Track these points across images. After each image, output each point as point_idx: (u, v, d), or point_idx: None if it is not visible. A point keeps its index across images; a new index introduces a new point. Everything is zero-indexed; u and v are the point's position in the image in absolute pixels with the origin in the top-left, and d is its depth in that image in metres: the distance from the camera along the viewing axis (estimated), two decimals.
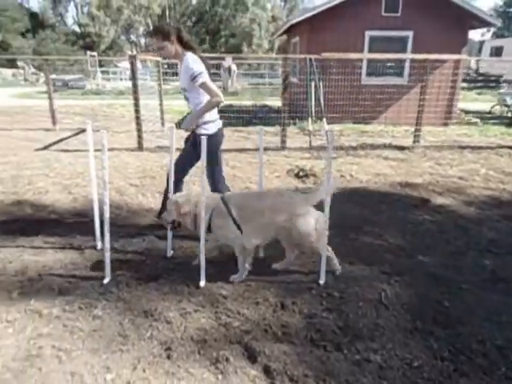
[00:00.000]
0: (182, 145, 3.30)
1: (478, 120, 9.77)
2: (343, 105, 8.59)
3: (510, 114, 10.55)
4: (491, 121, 9.87)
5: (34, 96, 17.51)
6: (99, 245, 3.07)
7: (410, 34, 9.01)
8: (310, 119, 7.29)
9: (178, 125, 3.19)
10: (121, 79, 26.49)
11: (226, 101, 12.89)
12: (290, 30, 11.50)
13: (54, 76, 25.58)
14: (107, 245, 2.58)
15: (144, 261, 2.95)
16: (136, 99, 6.31)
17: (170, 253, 3.02)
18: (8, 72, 29.72)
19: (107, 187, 2.55)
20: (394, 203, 4.23)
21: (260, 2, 43.01)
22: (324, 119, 6.82)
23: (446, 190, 4.67)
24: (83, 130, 8.82)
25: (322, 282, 2.63)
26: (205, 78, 2.88)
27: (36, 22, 36.44)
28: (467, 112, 11.16)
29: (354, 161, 6.07)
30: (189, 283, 2.62)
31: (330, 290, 2.55)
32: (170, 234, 2.98)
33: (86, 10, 40.50)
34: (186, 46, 2.97)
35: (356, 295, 2.50)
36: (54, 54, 32.80)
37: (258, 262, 2.91)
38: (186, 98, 3.11)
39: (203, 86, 2.88)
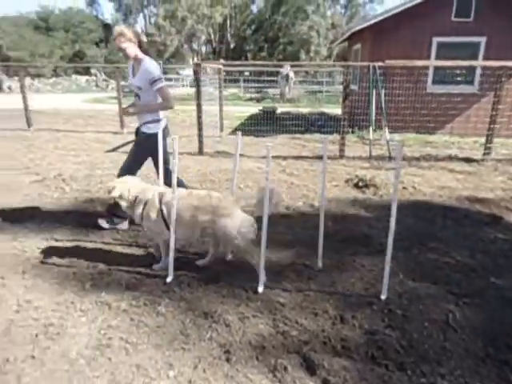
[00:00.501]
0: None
1: None
2: (406, 114, 8.27)
3: None
4: None
5: (105, 101, 18.81)
6: None
7: (483, 39, 8.46)
8: (370, 128, 7.10)
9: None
10: (183, 86, 27.70)
11: (283, 108, 13.08)
12: (352, 37, 11.32)
13: (122, 83, 27.42)
14: (171, 244, 2.69)
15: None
16: (199, 105, 6.54)
17: (229, 256, 3.08)
18: (82, 79, 32.21)
19: (175, 190, 2.65)
20: (461, 219, 3.97)
21: (320, 9, 42.84)
22: (386, 128, 6.60)
23: None
24: None
25: (383, 297, 2.53)
26: (163, 83, 3.19)
27: (108, 33, 39.24)
28: None
29: (416, 172, 5.80)
30: (247, 288, 2.65)
31: (391, 306, 2.45)
32: None
33: (153, 20, 42.85)
34: (144, 51, 3.23)
35: (420, 314, 2.38)
36: (123, 63, 35.13)
37: (317, 272, 2.88)
38: (137, 95, 3.30)
39: (160, 90, 3.17)
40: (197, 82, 6.47)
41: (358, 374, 1.92)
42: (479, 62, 8.08)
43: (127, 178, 2.90)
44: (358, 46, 10.42)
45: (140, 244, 3.29)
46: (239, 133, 3.05)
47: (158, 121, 3.32)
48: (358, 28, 9.19)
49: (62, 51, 34.80)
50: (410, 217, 4.02)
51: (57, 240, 3.34)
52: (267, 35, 48.35)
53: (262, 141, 8.52)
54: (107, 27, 40.06)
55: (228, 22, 47.45)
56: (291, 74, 19.30)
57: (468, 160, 6.56)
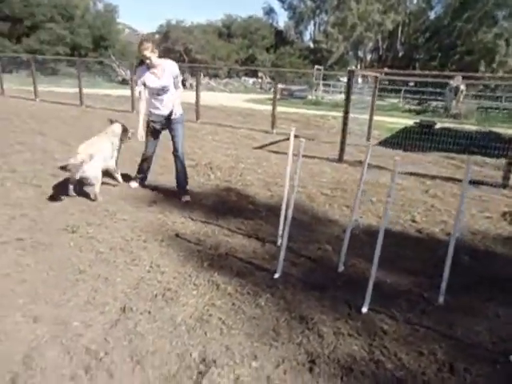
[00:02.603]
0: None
1: None
2: None
3: None
4: None
5: (264, 102, 20.25)
6: (279, 241, 3.32)
7: None
8: None
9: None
10: (340, 92, 27.73)
11: (443, 123, 11.82)
12: None
13: (283, 86, 29.01)
14: (284, 243, 2.76)
15: (314, 268, 3.01)
16: (346, 112, 6.46)
17: (341, 267, 2.99)
18: (250, 80, 35.32)
19: (295, 190, 2.71)
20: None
21: None
22: None
23: None
24: (295, 136, 9.68)
25: None
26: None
27: (279, 39, 41.98)
28: None
29: None
30: (351, 305, 2.53)
31: None
32: (344, 249, 2.95)
33: (322, 28, 43.94)
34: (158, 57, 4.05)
35: None
36: (287, 67, 37.07)
37: (435, 308, 2.55)
38: (159, 94, 4.12)
39: (179, 81, 4.21)
40: (348, 89, 6.40)
41: None
42: None
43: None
44: None
45: (259, 237, 3.47)
46: (369, 143, 2.90)
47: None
48: None
49: (237, 55, 38.81)
50: None
51: (192, 219, 3.79)
52: (442, 43, 44.19)
53: (410, 156, 7.90)
54: (279, 34, 42.89)
55: (400, 28, 45.16)
56: (462, 87, 17.24)
57: None
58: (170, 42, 36.21)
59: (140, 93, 4.13)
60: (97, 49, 33.52)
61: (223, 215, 3.93)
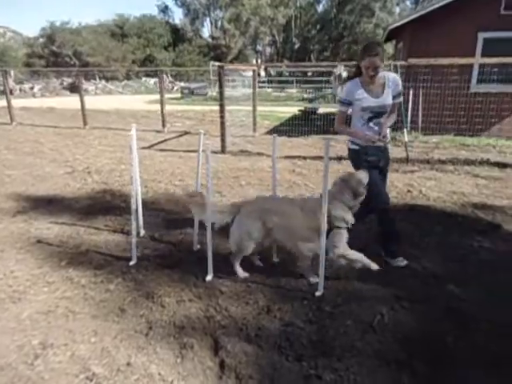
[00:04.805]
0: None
1: None
2: (445, 115, 7.83)
3: None
4: None
5: (167, 102, 20.00)
6: (142, 232, 3.53)
7: None
8: (405, 130, 6.84)
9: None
10: (243, 86, 28.49)
11: (330, 108, 12.81)
12: (396, 35, 10.87)
13: (182, 84, 28.89)
14: (134, 232, 2.98)
15: (172, 251, 3.29)
16: (222, 105, 6.84)
17: (196, 247, 3.30)
18: (151, 81, 34.45)
19: (136, 182, 2.94)
20: (453, 226, 3.78)
21: (387, 6, 41.16)
22: (405, 130, 6.35)
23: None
24: (186, 133, 9.89)
25: (318, 293, 2.58)
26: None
27: (177, 37, 41.53)
28: None
29: (434, 176, 5.53)
30: (198, 276, 2.85)
31: (323, 303, 2.50)
32: (196, 228, 3.26)
33: (219, 24, 44.45)
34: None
35: (348, 314, 2.39)
36: (188, 65, 36.90)
37: (271, 266, 2.99)
38: (374, 117, 2.95)
39: (398, 103, 3.04)
40: (220, 83, 6.77)
41: (254, 360, 2.03)
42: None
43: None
44: (401, 43, 9.98)
45: (125, 231, 3.64)
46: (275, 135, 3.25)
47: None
48: (395, 25, 8.83)
49: (134, 56, 37.53)
50: (402, 221, 3.90)
51: (58, 223, 3.82)
52: (331, 35, 47.56)
53: (291, 141, 8.61)
54: (175, 32, 42.39)
55: (292, 22, 47.49)
56: (344, 74, 18.92)
57: (501, 165, 6.07)
58: (56, 46, 33.70)
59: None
60: None
61: (93, 216, 4.02)
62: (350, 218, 2.71)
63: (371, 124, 2.97)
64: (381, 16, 40.67)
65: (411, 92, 7.93)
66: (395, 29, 9.32)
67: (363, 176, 2.79)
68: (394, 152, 6.89)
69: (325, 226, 2.50)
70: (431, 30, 8.15)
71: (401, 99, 3.02)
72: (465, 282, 2.78)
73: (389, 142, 3.20)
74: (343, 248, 2.67)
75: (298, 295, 2.60)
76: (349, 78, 3.07)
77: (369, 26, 42.39)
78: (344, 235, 2.70)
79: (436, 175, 5.57)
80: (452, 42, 7.92)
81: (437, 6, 7.91)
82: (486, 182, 5.26)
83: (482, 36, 7.97)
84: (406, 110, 7.29)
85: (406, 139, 6.47)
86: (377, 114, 2.94)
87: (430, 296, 2.61)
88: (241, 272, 2.86)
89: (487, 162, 6.20)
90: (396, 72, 6.08)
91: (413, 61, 5.98)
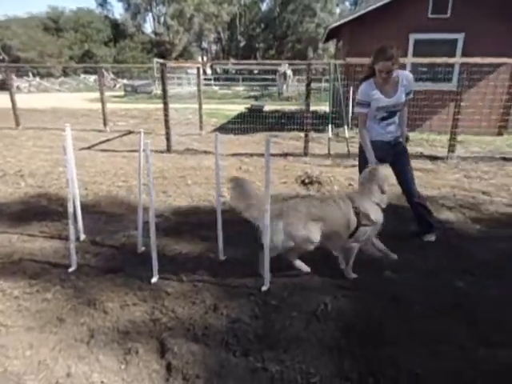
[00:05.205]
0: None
1: None
2: None
3: None
4: None
5: (107, 100, 19.15)
6: (82, 237, 3.37)
7: (461, 36, 8.36)
8: (345, 126, 7.13)
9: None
10: (189, 84, 28.01)
11: (275, 106, 13.16)
12: (337, 35, 11.30)
13: (125, 81, 27.88)
14: (72, 236, 2.84)
15: (115, 254, 3.17)
16: (165, 104, 6.69)
17: (140, 249, 3.22)
18: (91, 78, 32.85)
19: (73, 184, 2.80)
20: (392, 216, 4.00)
21: (328, 6, 42.59)
22: (345, 126, 6.64)
23: (459, 206, 4.32)
24: (129, 132, 9.56)
25: (264, 288, 2.62)
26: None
27: (117, 32, 39.88)
28: None
29: None
30: (143, 278, 2.78)
31: (269, 297, 2.54)
32: (140, 230, 3.18)
33: (162, 20, 43.34)
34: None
35: (293, 306, 2.46)
36: (131, 62, 35.64)
37: (218, 264, 2.99)
38: (388, 115, 3.15)
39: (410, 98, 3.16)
40: (163, 81, 6.62)
41: (201, 359, 2.02)
42: (456, 60, 7.97)
43: None
44: (341, 42, 10.40)
45: (62, 236, 3.45)
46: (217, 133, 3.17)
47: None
48: (334, 25, 9.19)
49: (71, 51, 35.51)
50: None
51: None
52: (276, 33, 48.32)
53: (238, 138, 8.64)
54: (116, 27, 40.70)
55: (237, 20, 47.54)
56: (289, 72, 19.34)
57: (433, 158, 6.55)
58: None
59: None
60: None
61: (27, 222, 3.76)
62: (380, 217, 2.76)
63: (385, 123, 3.17)
64: (322, 16, 42.02)
65: (351, 90, 8.28)
66: (335, 29, 9.68)
67: (386, 172, 2.88)
68: (337, 147, 7.19)
69: (267, 220, 2.54)
70: (368, 31, 8.56)
71: (411, 95, 3.15)
72: (399, 268, 2.97)
73: (403, 139, 3.34)
74: (366, 243, 2.81)
75: (245, 292, 2.62)
76: (363, 79, 3.15)
77: (311, 26, 43.65)
78: (369, 233, 2.76)
79: None
80: (386, 42, 8.35)
81: (371, 8, 8.33)
82: (420, 173, 5.63)
83: (413, 37, 8.53)
84: (347, 106, 7.59)
85: (347, 135, 6.76)
86: (391, 112, 3.13)
87: (370, 283, 2.76)
88: (304, 266, 2.82)
89: (421, 156, 6.66)
90: (335, 71, 6.33)
91: (351, 60, 6.25)
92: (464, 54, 8.29)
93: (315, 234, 2.66)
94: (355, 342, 2.14)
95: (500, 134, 8.55)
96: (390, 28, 8.40)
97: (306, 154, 6.69)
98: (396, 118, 3.20)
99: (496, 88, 8.31)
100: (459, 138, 7.10)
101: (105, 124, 9.51)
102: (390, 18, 8.35)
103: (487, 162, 6.33)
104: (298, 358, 2.02)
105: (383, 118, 3.15)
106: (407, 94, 3.10)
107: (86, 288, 2.65)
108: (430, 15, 8.34)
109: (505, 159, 6.45)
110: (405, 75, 3.09)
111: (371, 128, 3.19)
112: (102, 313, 2.40)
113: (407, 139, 3.41)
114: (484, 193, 4.75)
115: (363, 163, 3.18)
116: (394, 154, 3.28)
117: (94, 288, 2.66)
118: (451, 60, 7.98)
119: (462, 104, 6.58)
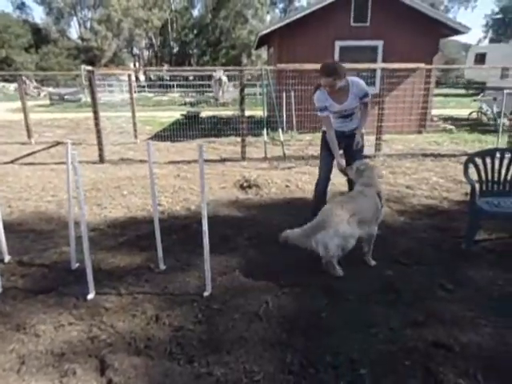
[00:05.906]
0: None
1: (453, 127, 9.73)
2: (313, 115, 8.63)
3: (486, 121, 10.48)
4: (467, 128, 9.82)
5: (31, 110, 17.82)
6: (6, 258, 3.13)
7: (380, 43, 9.04)
8: (280, 130, 7.33)
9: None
10: (121, 91, 26.99)
11: (212, 111, 13.13)
12: (268, 42, 11.63)
13: (50, 89, 26.19)
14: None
15: (46, 273, 2.99)
16: (95, 112, 6.42)
17: (74, 265, 3.06)
18: (11, 86, 30.34)
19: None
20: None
21: (259, 13, 43.53)
22: (279, 130, 6.86)
23: (386, 200, 4.63)
24: (57, 143, 9.01)
25: (206, 293, 2.64)
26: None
27: (39, 38, 37.33)
28: (447, 119, 11.13)
29: (308, 170, 6.08)
30: (78, 296, 2.65)
31: (211, 302, 2.56)
32: (73, 245, 3.03)
33: (88, 24, 41.39)
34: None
35: (236, 308, 2.50)
36: (57, 69, 33.55)
37: (157, 274, 2.94)
38: (346, 117, 3.47)
39: (368, 101, 3.44)
40: (92, 89, 6.35)
41: (144, 371, 1.98)
42: (376, 65, 8.60)
43: None
44: (272, 49, 10.72)
45: None
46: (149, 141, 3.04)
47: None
48: (264, 32, 9.46)
49: None
50: (277, 214, 4.21)
51: None
52: (209, 40, 48.30)
53: (175, 146, 8.53)
54: (37, 32, 38.10)
55: (169, 26, 46.81)
56: (224, 79, 19.45)
57: (366, 157, 6.96)
58: None
59: None
60: None
61: None
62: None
63: (341, 119, 3.51)
64: (253, 23, 42.85)
65: (284, 94, 8.57)
66: (266, 35, 9.95)
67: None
68: (274, 151, 7.39)
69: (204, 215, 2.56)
70: (296, 38, 8.92)
71: (368, 98, 3.41)
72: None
73: (360, 132, 3.59)
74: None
75: (187, 299, 2.61)
76: (316, 88, 3.44)
77: (243, 32, 44.28)
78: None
79: (310, 170, 6.12)
80: (314, 49, 8.79)
81: (298, 16, 8.71)
82: None
83: (338, 44, 9.04)
84: (280, 111, 7.85)
85: (282, 138, 6.98)
86: (345, 115, 3.47)
87: (306, 279, 2.88)
88: (339, 270, 2.92)
89: None
90: (268, 77, 6.52)
91: (281, 66, 6.48)
92: (384, 60, 8.96)
93: (355, 228, 2.90)
94: (296, 336, 2.23)
95: (420, 132, 9.34)
96: (317, 35, 8.83)
97: (243, 159, 6.79)
98: (353, 116, 3.52)
99: (413, 91, 9.09)
100: (384, 137, 7.67)
101: (29, 136, 8.86)
102: (316, 25, 8.78)
103: (409, 158, 6.89)
104: (241, 359, 2.06)
105: (340, 117, 3.51)
106: (363, 98, 3.38)
107: (14, 312, 2.47)
108: (352, 23, 8.91)
109: (425, 155, 7.07)
110: (355, 82, 3.36)
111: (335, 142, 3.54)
112: (33, 337, 2.25)
113: (362, 137, 3.68)
114: (407, 187, 5.18)
115: (326, 155, 3.68)
116: (347, 145, 3.63)
117: (23, 311, 2.48)
118: (372, 66, 8.61)
119: (384, 106, 7.13)
